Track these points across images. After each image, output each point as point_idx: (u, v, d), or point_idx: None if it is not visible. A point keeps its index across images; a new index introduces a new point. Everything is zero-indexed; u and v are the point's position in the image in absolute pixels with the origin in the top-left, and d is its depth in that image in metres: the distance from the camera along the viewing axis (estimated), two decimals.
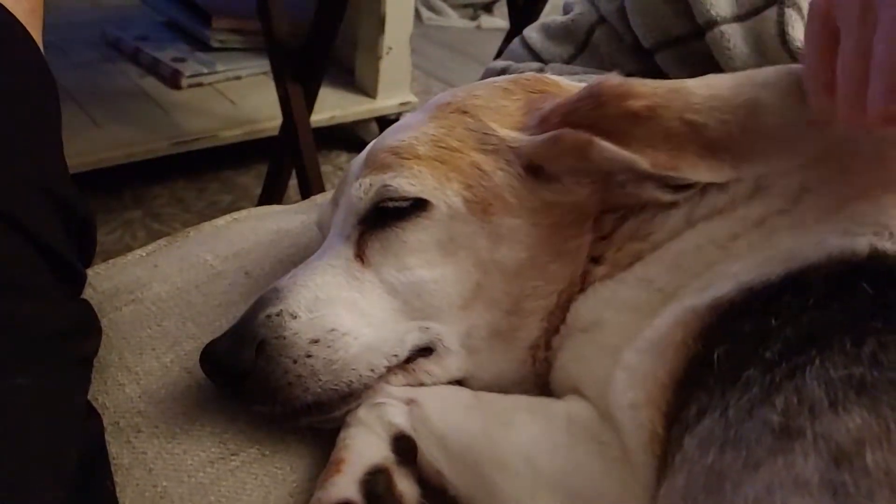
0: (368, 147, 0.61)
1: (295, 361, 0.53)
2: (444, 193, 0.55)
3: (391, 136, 0.59)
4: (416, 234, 0.55)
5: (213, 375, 0.55)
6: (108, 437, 0.56)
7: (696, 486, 0.38)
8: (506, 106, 0.58)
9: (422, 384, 0.56)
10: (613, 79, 0.54)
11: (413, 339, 0.55)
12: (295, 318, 0.54)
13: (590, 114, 0.53)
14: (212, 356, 0.54)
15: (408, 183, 0.55)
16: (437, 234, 0.55)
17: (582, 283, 0.56)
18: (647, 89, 0.52)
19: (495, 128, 0.56)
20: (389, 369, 0.55)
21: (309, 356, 0.53)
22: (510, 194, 0.55)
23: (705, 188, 0.53)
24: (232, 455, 0.55)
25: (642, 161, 0.50)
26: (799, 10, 0.69)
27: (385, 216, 0.56)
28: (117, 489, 0.53)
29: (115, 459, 0.55)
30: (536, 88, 0.60)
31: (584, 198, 0.55)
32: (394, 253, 0.56)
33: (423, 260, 0.55)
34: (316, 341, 0.53)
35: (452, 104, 0.59)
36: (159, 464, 0.54)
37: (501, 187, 0.55)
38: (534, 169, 0.55)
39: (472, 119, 0.57)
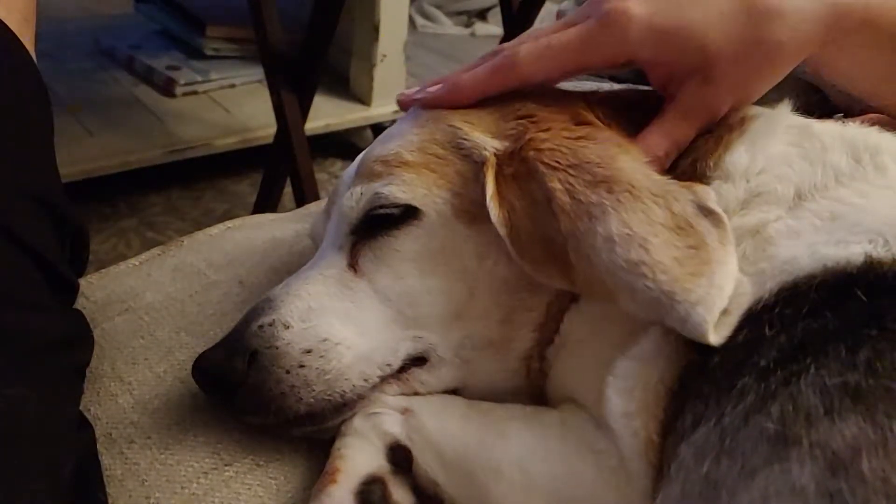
0: (359, 157, 0.61)
1: (288, 372, 0.52)
2: (433, 201, 0.55)
3: (380, 146, 0.59)
4: (408, 242, 0.55)
5: (205, 386, 0.55)
6: (100, 449, 0.55)
7: (692, 495, 0.38)
8: (485, 115, 0.58)
9: (416, 393, 0.56)
10: None
11: (406, 349, 0.55)
12: (287, 328, 0.53)
13: None
14: (204, 367, 0.54)
15: (399, 190, 0.55)
16: (429, 243, 0.55)
17: (574, 295, 0.56)
18: None
19: (474, 137, 0.56)
20: (383, 379, 0.55)
21: (302, 366, 0.52)
22: None
23: None
24: (226, 465, 0.55)
25: None
26: None
27: (377, 225, 0.56)
28: (110, 501, 0.52)
29: (107, 471, 0.54)
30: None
31: None
32: (386, 262, 0.55)
33: (415, 269, 0.55)
34: (309, 351, 0.53)
35: (433, 113, 0.59)
36: (152, 475, 0.54)
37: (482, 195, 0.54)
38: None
39: (450, 128, 0.57)
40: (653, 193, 0.49)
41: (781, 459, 0.35)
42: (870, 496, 0.32)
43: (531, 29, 0.62)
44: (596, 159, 0.51)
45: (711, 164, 0.53)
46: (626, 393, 0.46)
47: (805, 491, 0.33)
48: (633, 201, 0.49)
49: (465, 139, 0.56)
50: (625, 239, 0.47)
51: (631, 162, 0.51)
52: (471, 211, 0.54)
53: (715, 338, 0.43)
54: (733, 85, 0.55)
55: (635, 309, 0.47)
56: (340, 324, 0.54)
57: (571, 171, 0.51)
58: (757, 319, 0.42)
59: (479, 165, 0.55)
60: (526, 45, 0.57)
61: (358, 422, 0.54)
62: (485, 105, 0.58)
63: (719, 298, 0.45)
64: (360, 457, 0.52)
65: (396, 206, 0.55)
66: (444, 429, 0.53)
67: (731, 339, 0.43)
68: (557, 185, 0.50)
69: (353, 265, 0.57)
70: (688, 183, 0.51)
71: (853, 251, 0.43)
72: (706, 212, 0.48)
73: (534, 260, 0.51)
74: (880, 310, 0.39)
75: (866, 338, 0.37)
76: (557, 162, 0.52)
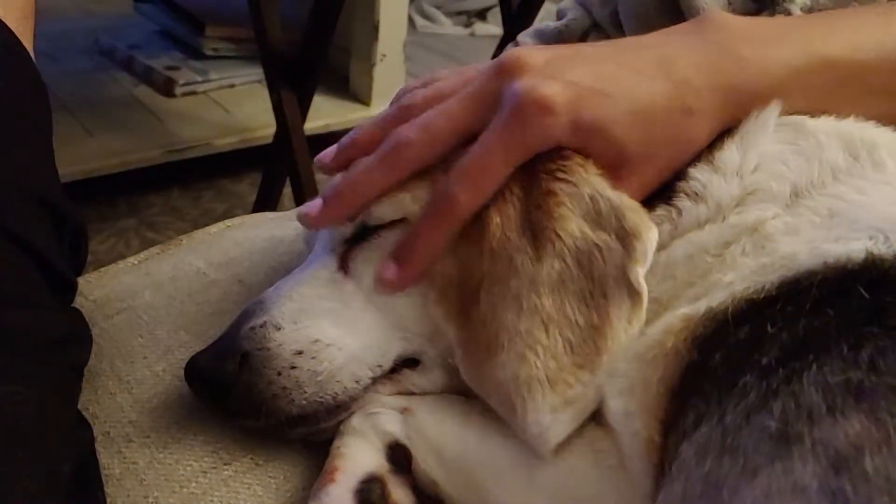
0: None
1: (279, 373, 0.52)
2: (418, 208, 0.54)
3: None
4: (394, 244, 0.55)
5: (197, 389, 0.55)
6: (98, 447, 0.55)
7: (693, 494, 0.37)
8: None
9: (411, 394, 0.56)
10: None
11: (397, 350, 0.54)
12: (279, 329, 0.53)
13: None
14: (195, 369, 0.54)
15: (391, 209, 0.55)
16: None
17: None
18: None
19: None
20: (375, 380, 0.54)
21: (293, 368, 0.52)
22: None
23: (679, 205, 0.52)
24: (225, 465, 0.54)
25: None
26: (789, 14, 0.69)
27: (370, 229, 0.56)
28: (108, 500, 0.52)
29: (105, 470, 0.54)
30: None
31: None
32: (375, 264, 0.55)
33: None
34: (300, 353, 0.53)
35: None
36: (151, 474, 0.54)
37: None
38: None
39: None
40: (578, 248, 0.48)
41: (783, 458, 0.34)
42: (873, 494, 0.31)
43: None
44: (545, 189, 0.50)
45: (701, 162, 0.53)
46: (627, 392, 0.46)
47: (807, 490, 0.33)
48: (551, 257, 0.48)
49: None
50: (531, 309, 0.47)
51: (574, 202, 0.50)
52: None
53: (550, 446, 0.46)
54: (641, 183, 0.53)
55: (504, 375, 0.47)
56: (331, 325, 0.54)
57: (517, 203, 0.51)
58: (759, 315, 0.42)
59: None
60: (457, 181, 0.51)
61: (357, 421, 0.54)
62: None
63: (586, 404, 0.46)
64: (359, 456, 0.52)
65: (392, 223, 0.55)
66: (443, 428, 0.53)
67: (734, 336, 0.42)
68: (496, 219, 0.50)
69: (343, 267, 0.56)
70: (637, 225, 0.49)
71: (853, 248, 0.43)
72: (627, 284, 0.47)
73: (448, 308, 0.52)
74: (882, 307, 0.39)
75: (868, 335, 0.37)
76: (511, 189, 0.51)
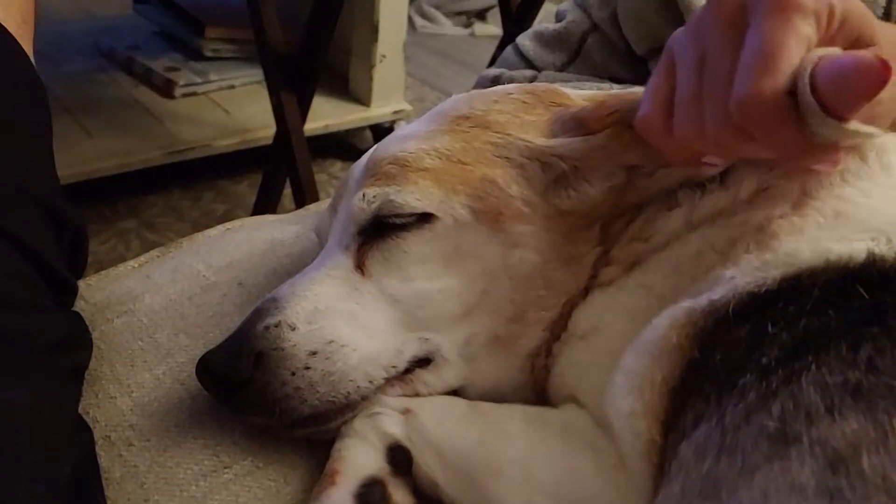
0: (370, 153, 0.61)
1: (293, 373, 0.52)
2: (450, 206, 0.55)
3: (395, 145, 0.58)
4: (420, 245, 0.55)
5: (209, 386, 0.55)
6: (99, 451, 0.55)
7: (691, 493, 0.37)
8: (532, 120, 0.58)
9: (418, 395, 0.56)
10: None
11: (411, 351, 0.55)
12: (294, 329, 0.53)
13: None
14: (208, 367, 0.54)
15: (413, 198, 0.55)
16: (442, 246, 0.55)
17: (585, 292, 0.56)
18: None
19: (529, 139, 0.56)
20: (387, 381, 0.55)
21: (307, 368, 0.52)
22: (524, 203, 0.55)
23: (706, 186, 0.53)
24: (225, 468, 0.54)
25: None
26: None
27: (387, 227, 0.56)
28: (109, 503, 0.52)
29: (106, 473, 0.54)
30: (554, 101, 0.60)
31: (598, 203, 0.55)
32: (397, 264, 0.55)
33: (427, 271, 0.55)
34: (314, 353, 0.53)
35: (471, 119, 0.58)
36: (151, 477, 0.54)
37: (516, 198, 0.55)
38: (555, 177, 0.55)
39: (495, 133, 0.57)
40: None
41: (781, 457, 0.35)
42: (870, 493, 0.31)
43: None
44: None
45: None
46: (635, 391, 0.46)
47: (805, 489, 0.33)
48: None
49: (522, 145, 0.56)
50: None
51: None
52: (495, 211, 0.54)
53: None
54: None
55: None
56: (346, 325, 0.54)
57: None
58: (760, 314, 0.42)
59: (521, 169, 0.55)
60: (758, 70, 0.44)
61: (358, 423, 0.54)
62: (534, 117, 0.58)
63: None
64: (359, 458, 0.52)
65: (411, 214, 0.55)
66: (444, 429, 0.53)
67: (735, 335, 0.42)
68: None
69: (360, 266, 0.56)
70: None
71: (856, 248, 0.43)
72: None
73: None
74: (882, 307, 0.39)
75: (868, 335, 0.37)
76: None
